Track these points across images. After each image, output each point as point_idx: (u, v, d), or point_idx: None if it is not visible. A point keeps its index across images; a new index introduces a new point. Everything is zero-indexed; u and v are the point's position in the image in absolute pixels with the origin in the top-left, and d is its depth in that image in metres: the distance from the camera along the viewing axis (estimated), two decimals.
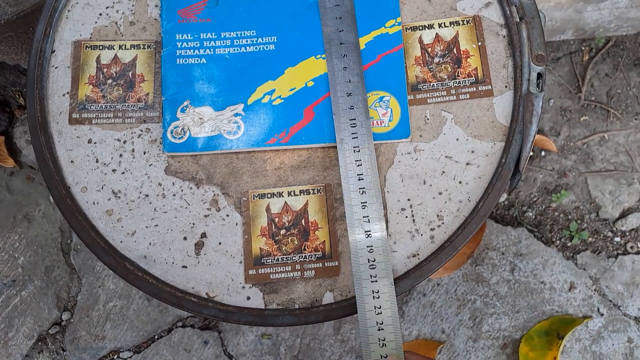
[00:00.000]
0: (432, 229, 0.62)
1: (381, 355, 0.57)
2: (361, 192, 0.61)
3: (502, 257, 1.37)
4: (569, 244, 1.40)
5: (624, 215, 1.42)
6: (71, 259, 1.38)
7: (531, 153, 1.45)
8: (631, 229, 1.41)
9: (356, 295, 0.58)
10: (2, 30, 0.86)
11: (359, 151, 0.62)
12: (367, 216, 0.60)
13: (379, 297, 0.57)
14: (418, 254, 0.61)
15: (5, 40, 0.91)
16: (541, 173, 1.44)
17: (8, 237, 1.39)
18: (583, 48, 1.54)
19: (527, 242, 1.39)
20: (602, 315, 1.34)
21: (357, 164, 0.61)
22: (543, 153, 1.45)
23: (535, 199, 1.43)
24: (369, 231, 0.59)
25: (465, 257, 1.36)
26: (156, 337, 1.33)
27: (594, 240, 1.41)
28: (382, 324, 0.57)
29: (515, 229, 1.40)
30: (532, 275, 1.36)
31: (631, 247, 1.39)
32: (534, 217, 1.42)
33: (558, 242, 1.40)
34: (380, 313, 0.57)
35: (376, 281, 0.58)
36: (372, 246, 0.59)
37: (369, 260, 0.59)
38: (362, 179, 0.61)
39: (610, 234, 1.41)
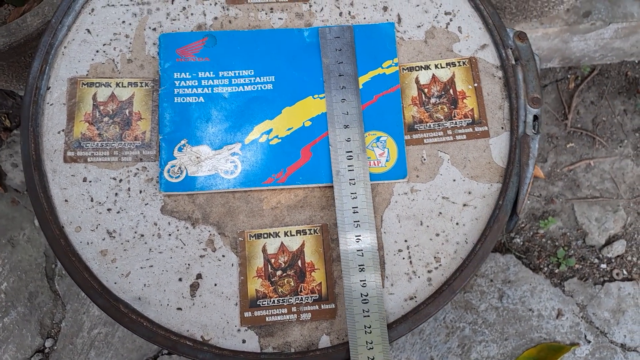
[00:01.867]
0: (429, 271, 0.62)
1: None
2: (356, 226, 0.61)
3: (490, 284, 1.38)
4: (556, 271, 1.41)
5: (609, 242, 1.43)
6: (56, 285, 1.35)
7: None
8: (617, 255, 1.42)
9: (350, 344, 0.58)
10: None
11: (355, 184, 0.62)
12: (361, 250, 0.60)
13: (372, 347, 0.57)
14: (415, 297, 0.61)
15: None
16: (528, 199, 1.46)
17: None
18: (569, 76, 1.57)
19: (515, 269, 1.39)
20: (590, 342, 1.35)
21: (353, 197, 0.61)
22: None
23: (523, 226, 1.44)
24: (362, 265, 0.59)
25: None
26: None
27: (581, 267, 1.42)
28: (373, 359, 0.57)
29: (503, 256, 1.40)
30: (521, 303, 1.37)
31: (617, 274, 1.40)
32: (521, 243, 1.43)
33: (546, 268, 1.41)
34: (372, 349, 0.57)
35: (370, 331, 0.58)
36: (365, 280, 0.59)
37: (363, 310, 0.59)
38: (357, 212, 0.61)
39: (596, 260, 1.42)
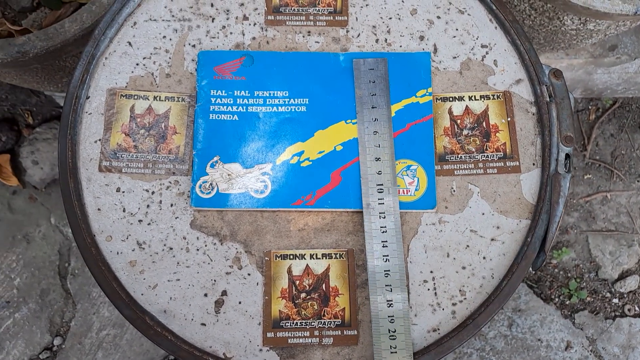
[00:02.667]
0: (454, 304, 0.62)
1: None
2: (385, 260, 0.61)
3: (500, 312, 1.37)
4: (567, 302, 1.40)
5: (622, 276, 1.43)
6: (67, 284, 1.36)
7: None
8: (629, 291, 1.42)
9: None
10: (29, 62, 0.86)
11: (385, 217, 0.62)
12: (390, 285, 0.60)
13: None
14: (439, 329, 0.61)
15: (30, 71, 0.91)
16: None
17: (5, 256, 1.37)
18: (590, 107, 1.57)
19: (526, 298, 1.39)
20: None
21: (382, 231, 0.62)
22: None
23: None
24: (391, 300, 0.60)
25: None
26: None
27: (592, 300, 1.41)
28: None
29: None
30: (530, 332, 1.37)
31: (629, 310, 1.40)
32: (534, 272, 1.43)
33: (557, 299, 1.40)
34: None
35: (396, 352, 0.58)
36: (393, 316, 0.59)
37: (389, 330, 0.59)
38: (387, 246, 0.61)
39: (608, 294, 1.42)
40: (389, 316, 0.59)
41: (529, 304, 1.38)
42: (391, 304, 0.60)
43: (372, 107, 0.66)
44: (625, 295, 1.41)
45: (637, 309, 1.39)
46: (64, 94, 1.33)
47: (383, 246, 0.61)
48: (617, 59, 1.38)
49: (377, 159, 0.64)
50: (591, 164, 1.51)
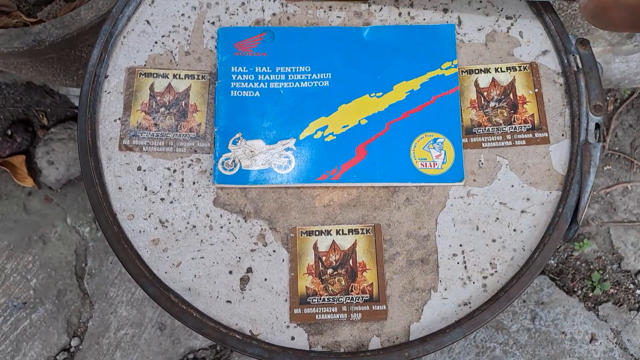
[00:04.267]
0: (484, 277, 0.60)
1: None
2: None
3: (523, 305, 1.35)
4: (590, 295, 1.38)
5: None
6: (85, 284, 1.35)
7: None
8: None
9: None
10: (45, 51, 0.86)
11: None
12: None
13: None
14: (470, 303, 0.59)
15: (46, 62, 0.91)
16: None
17: (22, 257, 1.37)
18: (608, 98, 1.55)
19: (548, 291, 1.37)
20: None
21: None
22: None
23: (557, 247, 1.41)
24: None
25: None
26: None
27: (615, 291, 1.39)
28: None
29: (537, 276, 1.38)
30: (553, 325, 1.34)
31: None
32: (555, 265, 1.40)
33: (580, 291, 1.38)
34: None
35: None
36: None
37: None
38: None
39: (632, 286, 1.39)
40: None
41: (551, 297, 1.36)
42: None
43: None
44: None
45: None
46: (78, 93, 1.33)
47: None
48: (635, 46, 1.36)
49: None
50: (611, 155, 1.49)
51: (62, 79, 1.00)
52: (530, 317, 1.34)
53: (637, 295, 1.38)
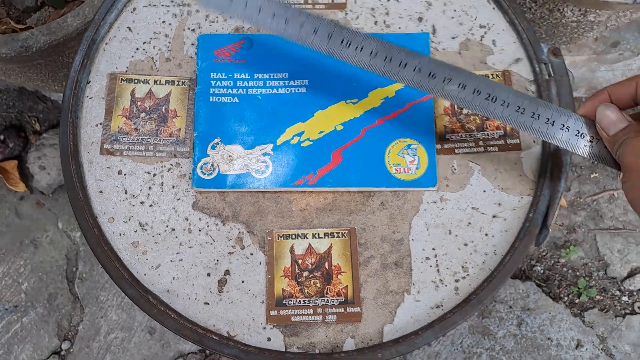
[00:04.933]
0: (456, 280, 0.61)
1: None
2: None
3: (509, 311, 1.36)
4: (576, 301, 1.39)
5: (632, 274, 1.42)
6: (75, 288, 1.36)
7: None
8: (639, 288, 1.40)
9: None
10: (33, 57, 0.87)
11: None
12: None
13: None
14: (442, 305, 0.61)
15: (34, 67, 0.92)
16: (550, 227, 1.44)
17: (13, 261, 1.38)
18: None
19: (535, 297, 1.38)
20: None
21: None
22: None
23: (544, 254, 1.43)
24: None
25: None
26: None
27: (601, 298, 1.40)
28: None
29: (523, 283, 1.39)
30: (539, 331, 1.35)
31: (639, 307, 1.38)
32: (542, 271, 1.42)
33: (566, 298, 1.39)
34: None
35: None
36: None
37: None
38: None
39: (618, 292, 1.40)
40: None
41: (537, 303, 1.37)
42: None
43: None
44: (635, 293, 1.39)
45: None
46: None
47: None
48: (619, 55, 1.38)
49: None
50: (597, 163, 1.50)
51: (50, 84, 1.02)
52: (517, 323, 1.35)
53: (623, 301, 1.39)
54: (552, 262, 1.42)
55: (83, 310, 1.35)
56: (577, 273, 1.41)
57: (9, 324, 1.33)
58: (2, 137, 1.44)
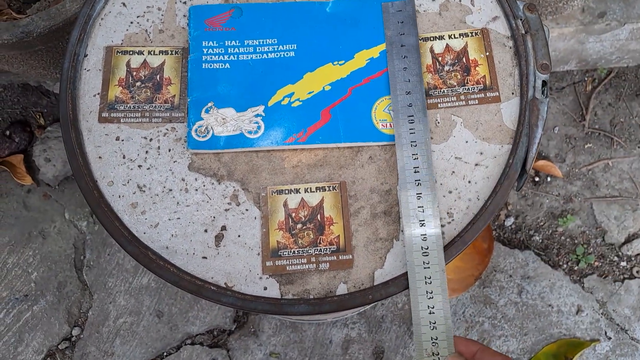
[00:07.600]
0: (442, 225, 0.64)
1: (431, 337, 0.59)
2: (417, 184, 0.63)
3: (509, 280, 1.39)
4: (575, 268, 1.41)
5: (629, 240, 1.44)
6: (84, 275, 1.40)
7: (535, 171, 1.47)
8: (637, 253, 1.43)
9: (410, 294, 0.61)
10: (34, 43, 0.91)
11: (416, 146, 0.65)
12: (422, 206, 0.62)
13: (432, 297, 0.60)
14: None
15: (35, 54, 0.96)
16: (547, 198, 1.47)
17: (22, 252, 1.41)
18: (586, 78, 1.58)
19: (534, 265, 1.40)
20: (610, 339, 1.34)
21: (414, 157, 0.64)
22: (549, 179, 1.48)
23: (541, 224, 1.45)
24: (423, 220, 0.62)
25: (473, 279, 1.38)
26: (165, 354, 1.35)
27: (600, 264, 1.42)
28: (433, 307, 0.60)
29: (522, 252, 1.41)
30: (540, 298, 1.38)
31: (637, 272, 1.40)
32: (540, 241, 1.44)
33: (565, 265, 1.42)
34: (432, 298, 0.60)
35: (430, 282, 0.61)
36: (425, 234, 0.62)
37: (422, 253, 0.61)
38: (418, 172, 0.64)
39: (616, 258, 1.42)
40: (422, 247, 0.62)
41: (537, 271, 1.39)
42: (425, 237, 0.62)
43: (401, 46, 0.69)
44: (633, 258, 1.42)
45: None
46: None
47: (415, 171, 0.64)
48: (606, 25, 1.40)
49: (408, 93, 0.67)
50: (591, 133, 1.52)
51: (52, 72, 1.05)
52: (517, 291, 1.38)
53: (621, 267, 1.41)
54: (550, 231, 1.44)
55: (92, 297, 1.38)
56: (576, 241, 1.43)
57: (20, 312, 1.37)
58: (8, 132, 1.47)
